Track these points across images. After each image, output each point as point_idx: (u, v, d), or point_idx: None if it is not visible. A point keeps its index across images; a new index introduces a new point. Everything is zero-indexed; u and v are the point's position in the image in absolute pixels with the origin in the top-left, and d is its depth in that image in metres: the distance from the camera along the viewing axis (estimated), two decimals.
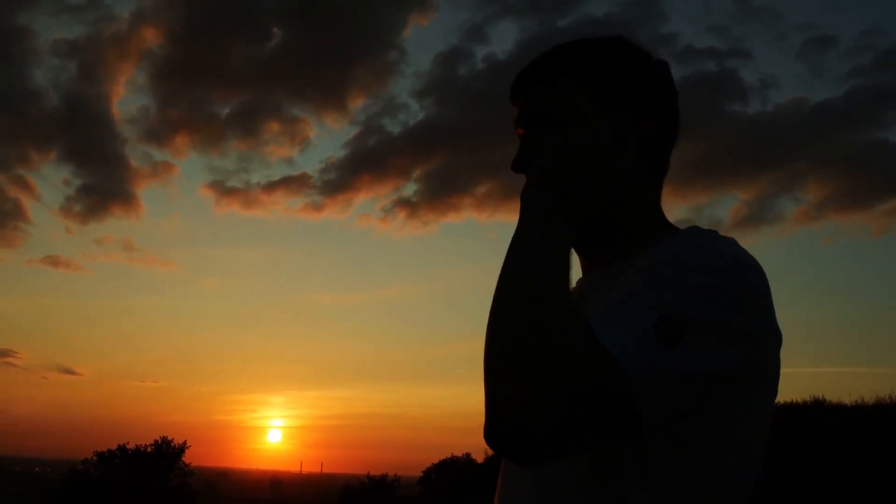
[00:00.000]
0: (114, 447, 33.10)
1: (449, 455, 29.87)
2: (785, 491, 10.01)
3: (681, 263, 0.91)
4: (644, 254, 0.99)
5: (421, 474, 31.78)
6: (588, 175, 0.95)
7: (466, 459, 29.24)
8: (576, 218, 0.94)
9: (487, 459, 23.37)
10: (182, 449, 34.00)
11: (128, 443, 33.33)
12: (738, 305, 0.88)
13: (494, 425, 0.84)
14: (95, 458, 32.82)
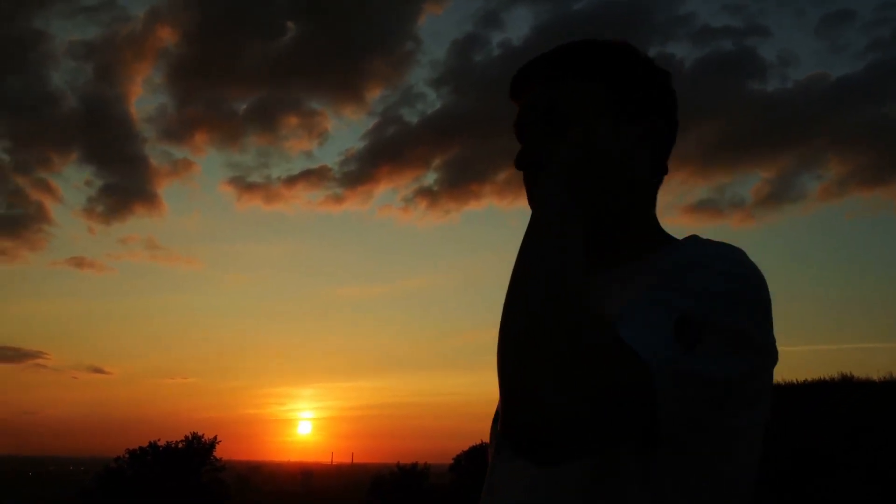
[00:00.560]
0: (145, 444, 33.48)
1: (479, 442, 29.84)
2: (822, 466, 9.89)
3: (701, 267, 0.89)
4: (649, 257, 0.99)
5: (451, 462, 32.05)
6: (609, 176, 0.96)
7: None
8: (592, 216, 0.94)
9: None
10: (213, 444, 34.33)
11: (159, 440, 33.72)
12: (755, 315, 0.88)
13: (515, 424, 0.79)
14: (127, 455, 33.23)
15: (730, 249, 0.94)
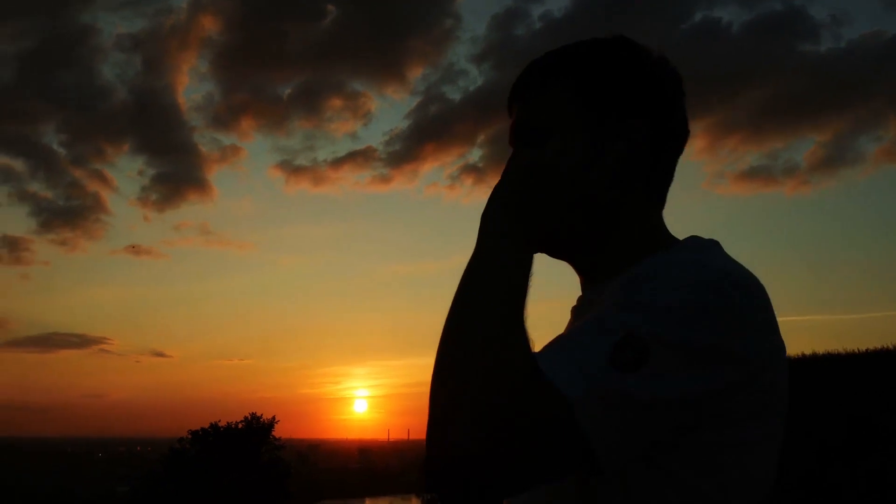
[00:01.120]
0: (206, 426, 34.28)
1: None
2: (878, 437, 9.72)
3: (655, 280, 0.82)
4: (630, 270, 0.90)
5: None
6: (553, 193, 0.91)
7: None
8: (541, 237, 0.90)
9: None
10: (271, 424, 35.04)
11: (219, 421, 34.55)
12: (719, 324, 0.78)
13: (430, 461, 0.77)
14: (190, 436, 34.07)
15: (706, 255, 0.89)
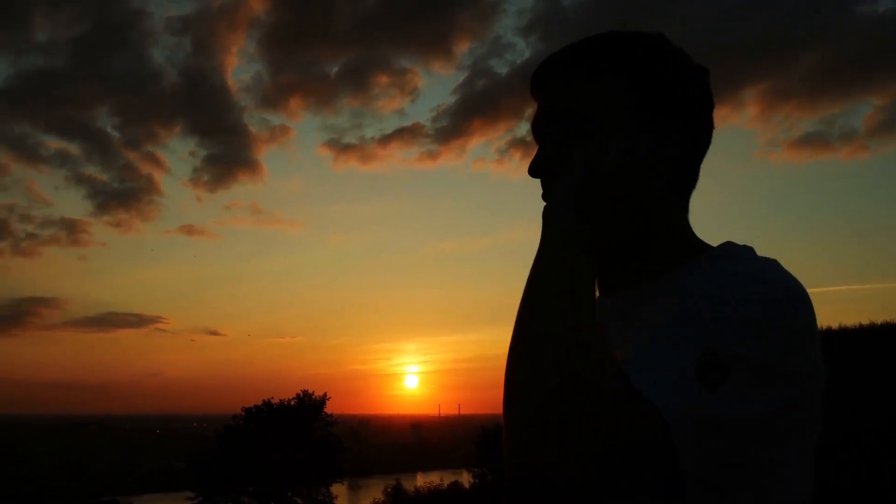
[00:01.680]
0: (259, 402, 34.81)
1: None
2: None
3: (724, 294, 0.80)
4: (669, 279, 0.89)
5: None
6: (621, 197, 0.86)
7: None
8: (602, 243, 0.86)
9: None
10: (323, 401, 35.43)
11: (272, 398, 35.10)
12: (789, 342, 0.77)
13: (519, 484, 0.75)
14: (244, 413, 34.64)
15: (760, 267, 0.84)
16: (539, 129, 0.97)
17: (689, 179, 0.96)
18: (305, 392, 35.49)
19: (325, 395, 35.83)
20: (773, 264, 0.85)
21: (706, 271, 0.86)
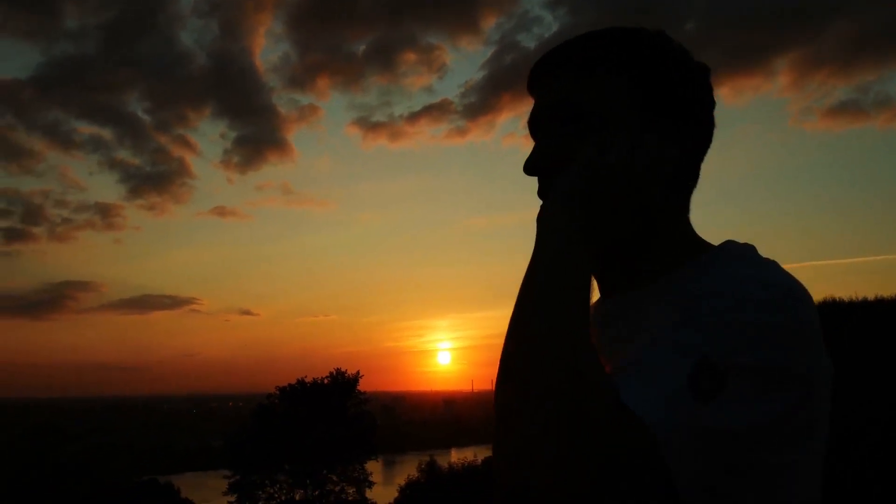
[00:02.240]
0: (293, 381, 34.81)
1: None
2: None
3: (723, 297, 0.78)
4: (669, 279, 0.88)
5: None
6: (624, 196, 0.85)
7: None
8: (603, 242, 0.85)
9: None
10: (356, 379, 35.36)
11: (306, 376, 35.05)
12: (790, 345, 0.76)
13: (506, 496, 0.76)
14: (278, 392, 34.68)
15: (761, 269, 0.81)
16: (537, 125, 0.95)
17: (689, 179, 0.94)
18: (339, 370, 35.45)
19: (357, 372, 35.78)
20: (773, 265, 0.83)
21: (707, 272, 0.84)
